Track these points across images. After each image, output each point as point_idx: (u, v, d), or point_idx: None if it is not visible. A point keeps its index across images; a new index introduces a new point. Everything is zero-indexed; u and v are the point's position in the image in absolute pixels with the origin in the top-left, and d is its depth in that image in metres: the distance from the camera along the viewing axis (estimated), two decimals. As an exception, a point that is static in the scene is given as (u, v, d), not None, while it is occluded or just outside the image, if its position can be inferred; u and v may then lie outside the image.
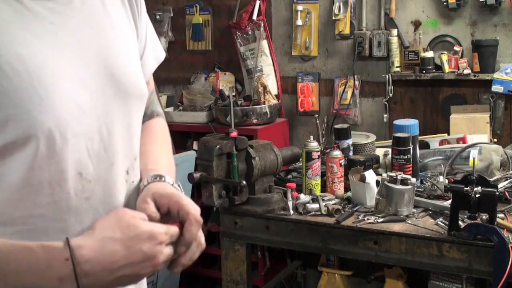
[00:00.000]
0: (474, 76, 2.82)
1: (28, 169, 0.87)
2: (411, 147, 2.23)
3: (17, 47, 0.86)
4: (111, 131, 0.97)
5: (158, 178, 1.03)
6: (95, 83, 0.94)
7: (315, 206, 2.08)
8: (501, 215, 1.94)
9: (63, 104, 0.89)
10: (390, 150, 2.35)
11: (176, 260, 0.95)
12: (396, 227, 1.93)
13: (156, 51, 1.18)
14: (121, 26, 1.04)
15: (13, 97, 0.84)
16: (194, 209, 0.96)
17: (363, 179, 2.11)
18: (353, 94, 3.14)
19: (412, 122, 2.33)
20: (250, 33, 3.39)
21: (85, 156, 0.92)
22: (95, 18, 0.98)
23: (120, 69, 0.99)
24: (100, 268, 0.85)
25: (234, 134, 2.01)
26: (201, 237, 0.98)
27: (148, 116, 1.19)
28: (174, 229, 0.93)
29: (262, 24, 3.34)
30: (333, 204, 2.09)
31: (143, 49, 1.13)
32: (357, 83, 3.16)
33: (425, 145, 2.56)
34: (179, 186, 1.05)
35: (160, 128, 1.23)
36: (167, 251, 0.91)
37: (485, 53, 2.80)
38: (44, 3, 0.91)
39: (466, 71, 2.81)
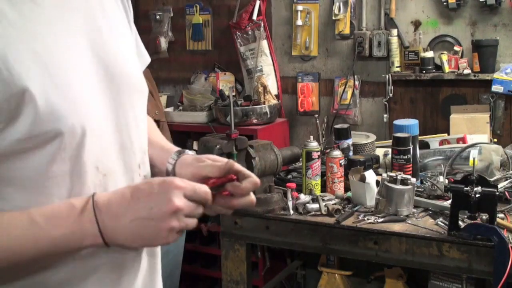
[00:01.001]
0: (474, 76, 2.82)
1: (50, 162, 0.89)
2: (411, 147, 2.23)
3: (34, 42, 0.87)
4: (121, 126, 0.99)
5: (183, 152, 1.13)
6: (98, 79, 0.96)
7: (315, 206, 2.08)
8: (501, 215, 1.93)
9: (82, 98, 0.91)
10: (390, 150, 2.35)
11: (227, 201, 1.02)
12: (396, 227, 1.93)
13: (142, 51, 1.20)
14: (118, 24, 1.06)
15: (35, 92, 0.85)
16: (253, 175, 1.03)
17: (363, 179, 2.11)
18: (353, 94, 3.14)
19: (412, 122, 2.33)
20: (250, 33, 3.39)
21: (100, 151, 0.94)
22: (94, 14, 0.99)
23: (119, 66, 1.01)
24: (118, 209, 0.88)
25: (235, 135, 2.01)
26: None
27: None
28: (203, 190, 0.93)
29: (262, 24, 3.34)
30: (333, 204, 2.09)
31: (135, 45, 1.15)
32: (357, 83, 3.16)
33: (425, 145, 2.56)
34: None
35: (150, 120, 1.28)
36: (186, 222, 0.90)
37: (485, 53, 2.80)
38: None
39: (466, 71, 2.81)
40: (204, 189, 0.92)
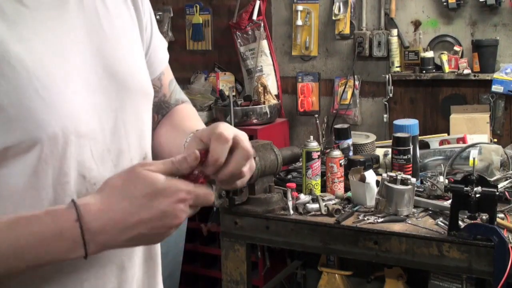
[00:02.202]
0: (474, 76, 2.82)
1: (32, 173, 0.84)
2: (411, 147, 2.23)
3: (14, 45, 0.83)
4: (115, 131, 0.94)
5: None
6: (95, 81, 0.92)
7: (315, 206, 2.08)
8: (501, 215, 1.93)
9: (65, 103, 0.86)
10: (390, 150, 2.35)
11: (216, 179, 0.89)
12: (396, 227, 1.93)
13: (163, 43, 1.16)
14: (122, 24, 1.01)
15: (14, 97, 0.81)
16: (221, 128, 0.87)
17: (363, 179, 2.11)
18: (353, 94, 3.14)
19: (412, 122, 2.33)
20: (250, 33, 3.39)
21: (89, 158, 0.89)
22: (94, 15, 0.95)
23: (120, 66, 0.97)
24: (111, 226, 0.81)
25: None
26: (250, 161, 0.89)
27: (173, 104, 1.17)
28: (201, 189, 0.85)
29: (262, 24, 3.34)
30: (333, 204, 2.09)
31: (149, 44, 1.10)
32: (357, 83, 3.16)
33: (425, 145, 2.56)
34: None
35: (191, 111, 1.19)
36: (190, 211, 0.84)
37: (485, 53, 2.80)
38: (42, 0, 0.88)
39: (466, 71, 2.81)
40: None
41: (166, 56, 1.17)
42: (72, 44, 0.90)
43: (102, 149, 0.91)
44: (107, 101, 0.93)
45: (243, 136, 0.89)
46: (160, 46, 1.14)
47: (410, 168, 2.22)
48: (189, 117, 1.15)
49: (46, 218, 0.81)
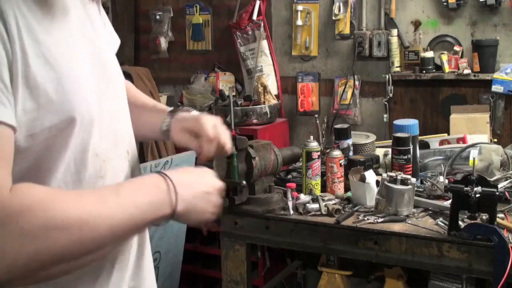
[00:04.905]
0: (474, 76, 2.82)
1: (64, 150, 0.95)
2: (411, 147, 2.23)
3: (49, 34, 0.93)
4: (112, 115, 1.07)
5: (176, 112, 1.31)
6: (96, 72, 1.04)
7: (315, 206, 2.08)
8: (501, 215, 1.93)
9: (87, 88, 0.98)
10: (390, 150, 2.35)
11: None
12: (396, 227, 1.93)
13: (113, 37, 1.27)
14: (98, 25, 1.12)
15: (57, 84, 0.92)
16: (207, 126, 1.24)
17: (363, 179, 2.11)
18: (353, 94, 3.14)
19: (412, 122, 2.33)
20: (250, 33, 3.39)
21: (99, 138, 1.01)
22: (84, 18, 1.06)
23: (107, 60, 1.09)
24: (185, 182, 1.03)
25: (233, 133, 2.01)
26: (223, 141, 1.26)
27: None
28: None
29: (262, 24, 3.34)
30: (333, 204, 2.09)
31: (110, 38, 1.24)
32: (357, 83, 3.16)
33: (425, 145, 2.56)
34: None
35: (134, 87, 1.40)
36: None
37: (485, 53, 2.80)
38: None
39: (466, 71, 2.81)
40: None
41: (118, 45, 1.29)
42: (77, 39, 1.01)
43: (106, 130, 1.05)
44: (105, 89, 1.06)
45: (220, 129, 1.27)
46: (114, 39, 1.26)
47: (410, 168, 2.22)
48: (138, 93, 1.39)
49: (143, 177, 1.02)
